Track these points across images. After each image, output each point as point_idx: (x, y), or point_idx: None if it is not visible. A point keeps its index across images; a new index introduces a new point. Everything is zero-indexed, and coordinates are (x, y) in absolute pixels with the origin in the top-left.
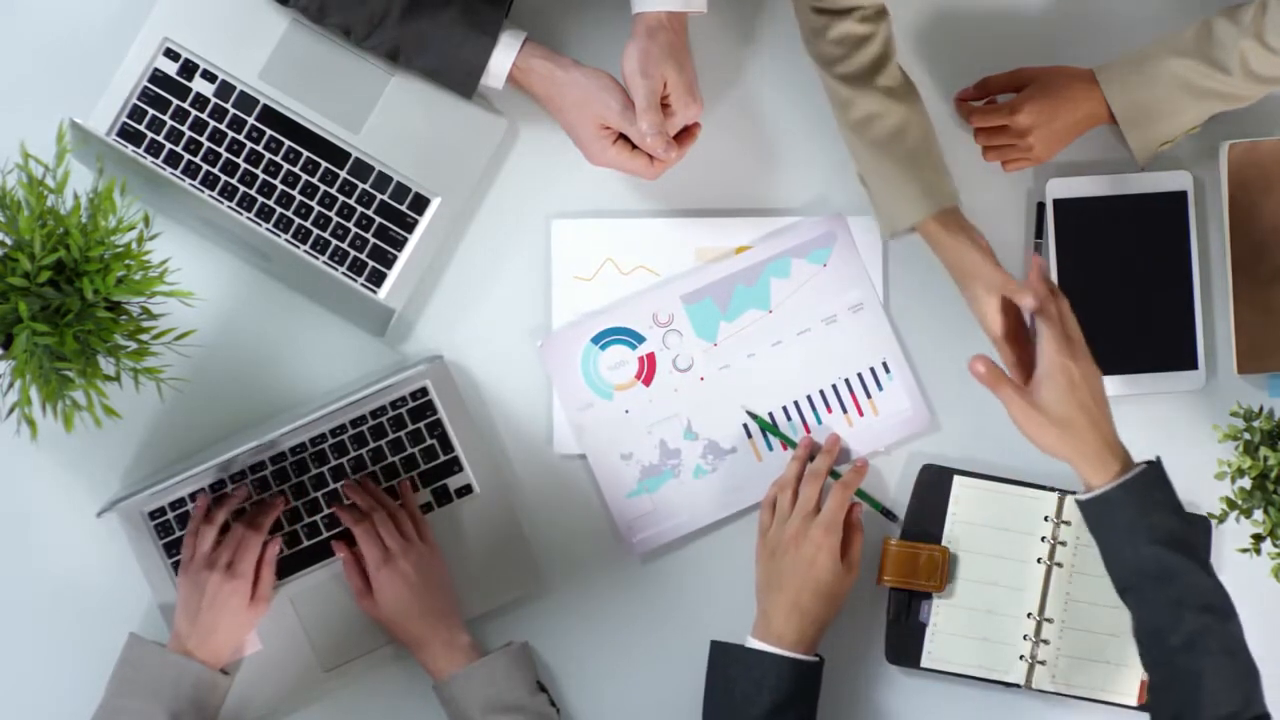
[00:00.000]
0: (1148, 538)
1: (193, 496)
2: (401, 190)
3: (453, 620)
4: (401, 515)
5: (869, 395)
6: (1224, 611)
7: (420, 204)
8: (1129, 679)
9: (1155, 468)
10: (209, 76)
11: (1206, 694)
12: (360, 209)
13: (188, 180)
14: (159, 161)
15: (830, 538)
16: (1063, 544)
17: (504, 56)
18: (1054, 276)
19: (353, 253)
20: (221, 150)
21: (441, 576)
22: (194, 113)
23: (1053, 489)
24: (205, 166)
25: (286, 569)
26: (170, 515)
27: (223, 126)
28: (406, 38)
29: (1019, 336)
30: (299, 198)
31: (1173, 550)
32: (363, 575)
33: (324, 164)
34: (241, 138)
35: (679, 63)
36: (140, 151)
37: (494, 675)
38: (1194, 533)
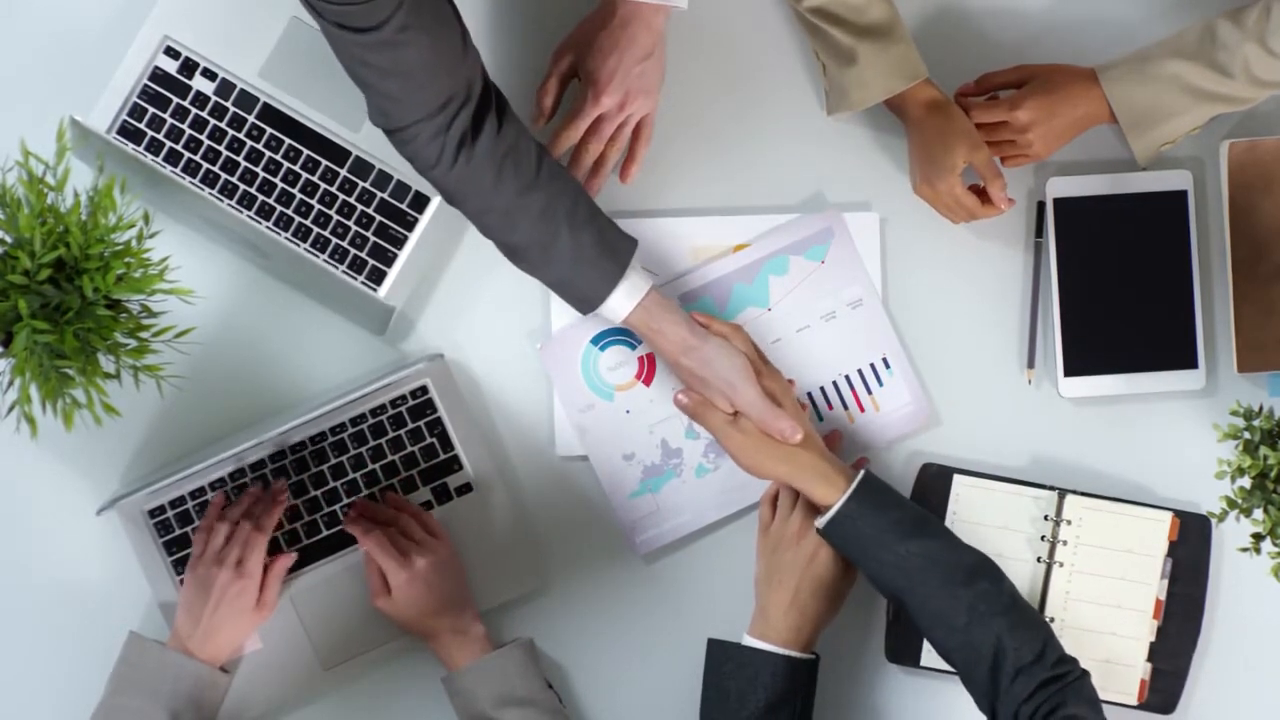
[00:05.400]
0: (898, 535)
1: (193, 494)
2: (402, 189)
3: (466, 610)
4: (406, 521)
5: (870, 391)
6: (992, 574)
7: (420, 202)
8: (1129, 678)
9: (869, 473)
10: (209, 74)
11: (1008, 649)
12: (360, 207)
13: (188, 178)
14: (159, 159)
15: None
16: (1063, 543)
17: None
18: (1054, 276)
19: (353, 251)
20: (221, 148)
21: (455, 567)
22: (194, 111)
23: (1053, 488)
24: (205, 164)
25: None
26: (170, 513)
27: (223, 124)
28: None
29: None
30: (299, 196)
31: (924, 537)
32: (382, 575)
33: (324, 162)
34: (241, 136)
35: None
36: (140, 149)
37: (507, 669)
38: (930, 515)
